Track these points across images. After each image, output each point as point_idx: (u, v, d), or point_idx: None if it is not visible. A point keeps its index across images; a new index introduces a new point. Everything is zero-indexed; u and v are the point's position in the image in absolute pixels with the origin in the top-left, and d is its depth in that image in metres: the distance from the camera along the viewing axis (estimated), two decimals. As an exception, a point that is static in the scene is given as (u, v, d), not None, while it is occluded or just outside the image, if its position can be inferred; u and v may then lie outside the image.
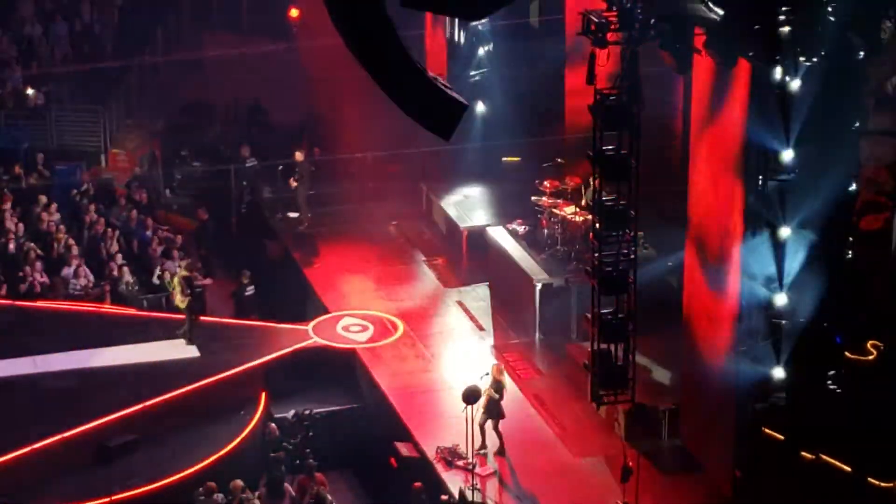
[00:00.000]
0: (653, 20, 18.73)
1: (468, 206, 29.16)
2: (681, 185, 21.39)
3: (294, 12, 34.21)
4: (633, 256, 20.06)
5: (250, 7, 37.48)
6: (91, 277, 26.67)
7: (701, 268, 20.86)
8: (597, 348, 20.09)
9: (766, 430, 19.64)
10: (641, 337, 20.36)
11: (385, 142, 28.66)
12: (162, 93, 34.78)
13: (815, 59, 18.39)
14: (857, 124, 20.43)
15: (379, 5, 9.76)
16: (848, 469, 18.89)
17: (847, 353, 19.92)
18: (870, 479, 18.76)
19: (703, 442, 21.27)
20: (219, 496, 21.12)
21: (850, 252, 20.44)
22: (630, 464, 19.74)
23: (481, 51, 30.13)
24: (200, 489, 21.20)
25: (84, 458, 21.90)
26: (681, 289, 21.79)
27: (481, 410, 21.58)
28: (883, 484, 18.74)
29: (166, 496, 21.47)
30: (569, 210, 25.50)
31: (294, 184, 29.69)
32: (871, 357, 19.83)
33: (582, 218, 24.97)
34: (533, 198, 26.35)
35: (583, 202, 25.19)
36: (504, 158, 29.90)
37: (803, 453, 19.25)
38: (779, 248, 19.50)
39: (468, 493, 20.86)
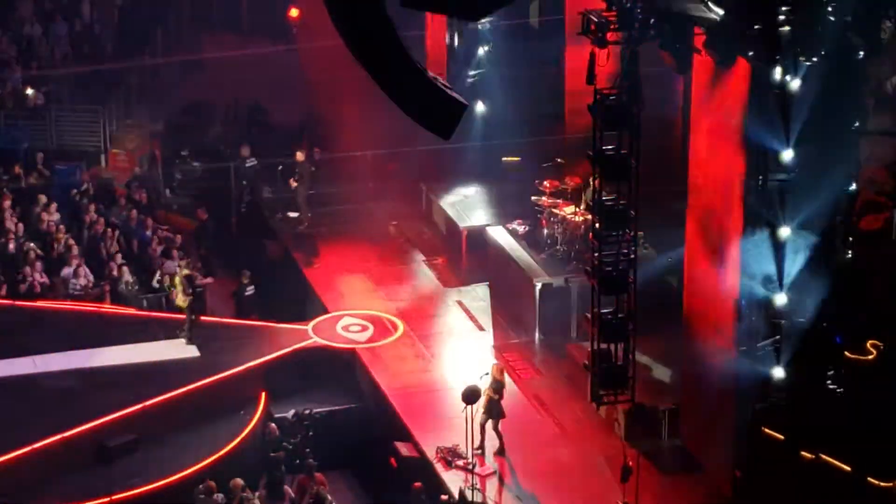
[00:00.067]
0: (653, 20, 18.77)
1: (468, 205, 29.12)
2: (681, 185, 21.38)
3: (294, 12, 34.14)
4: (633, 256, 20.08)
5: (250, 7, 37.44)
6: (91, 277, 26.63)
7: (701, 268, 20.87)
8: (597, 348, 20.11)
9: (766, 430, 19.61)
10: (641, 336, 20.40)
11: (385, 142, 28.63)
12: (162, 93, 34.71)
13: (815, 59, 18.40)
14: (857, 124, 20.43)
15: (379, 5, 9.74)
16: (848, 469, 18.86)
17: (847, 353, 19.88)
18: (869, 478, 18.73)
19: (703, 442, 21.27)
20: (219, 496, 21.11)
21: (850, 252, 20.42)
22: (630, 464, 19.71)
23: (481, 51, 30.11)
24: (200, 487, 21.21)
25: (84, 458, 21.88)
26: (681, 289, 21.78)
27: (481, 410, 21.58)
28: (883, 484, 18.70)
29: (166, 496, 21.45)
30: (569, 210, 25.48)
31: (294, 184, 29.68)
32: (871, 357, 19.81)
33: (582, 218, 24.95)
34: (533, 198, 26.33)
35: (583, 202, 25.19)
36: (504, 158, 29.84)
37: (803, 453, 19.21)
38: (779, 248, 19.48)
39: (468, 493, 20.86)
